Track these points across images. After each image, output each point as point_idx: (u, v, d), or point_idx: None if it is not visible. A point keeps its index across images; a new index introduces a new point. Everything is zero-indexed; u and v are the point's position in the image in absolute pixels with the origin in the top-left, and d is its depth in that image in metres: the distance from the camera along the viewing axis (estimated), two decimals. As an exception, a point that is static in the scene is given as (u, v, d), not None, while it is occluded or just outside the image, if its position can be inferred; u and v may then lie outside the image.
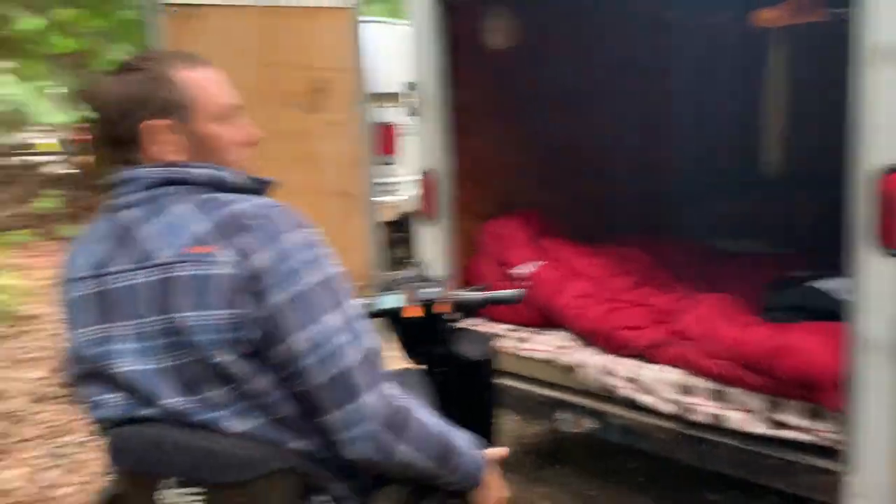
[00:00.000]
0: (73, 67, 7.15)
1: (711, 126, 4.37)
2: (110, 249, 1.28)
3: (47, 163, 13.78)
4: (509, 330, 2.97)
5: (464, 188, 3.12)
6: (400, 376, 1.95)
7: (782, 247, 3.72)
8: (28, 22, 4.57)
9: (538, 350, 2.81)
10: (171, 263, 1.21)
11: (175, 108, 1.30)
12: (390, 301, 1.90)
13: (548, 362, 2.77)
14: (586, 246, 3.12)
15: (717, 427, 2.32)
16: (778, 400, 2.21)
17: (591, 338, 2.71)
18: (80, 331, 1.30)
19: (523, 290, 2.04)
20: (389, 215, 6.16)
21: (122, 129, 1.29)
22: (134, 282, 1.24)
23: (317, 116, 2.93)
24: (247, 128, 1.41)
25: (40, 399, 3.86)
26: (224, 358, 1.19)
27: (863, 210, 1.92)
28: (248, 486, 1.21)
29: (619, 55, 3.78)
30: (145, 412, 1.23)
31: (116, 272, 1.26)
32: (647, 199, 3.97)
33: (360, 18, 2.99)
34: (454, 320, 2.01)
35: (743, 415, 2.27)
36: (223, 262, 1.18)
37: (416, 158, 3.14)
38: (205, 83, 1.35)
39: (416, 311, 1.89)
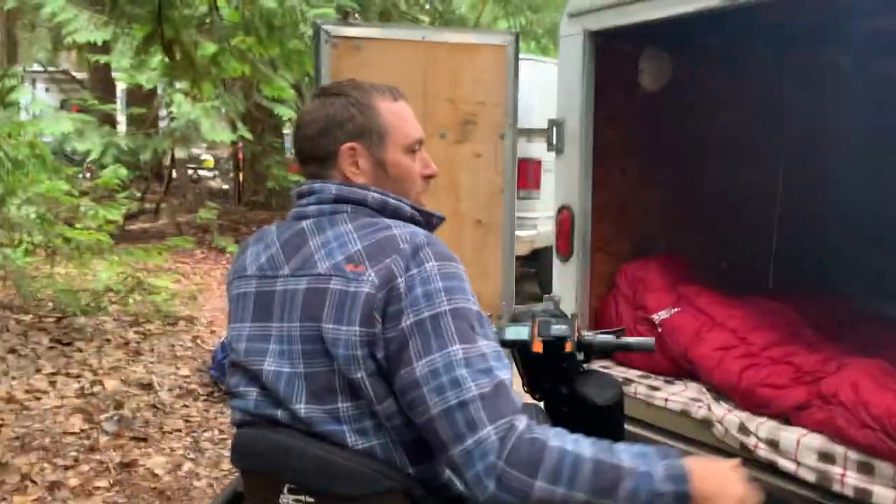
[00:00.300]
0: (241, 90, 7.73)
1: (872, 179, 4.09)
2: (278, 253, 1.37)
3: (213, 177, 14.93)
4: (640, 376, 2.90)
5: (600, 227, 3.09)
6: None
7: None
8: (208, 48, 4.98)
9: (672, 400, 2.72)
10: (325, 276, 1.28)
11: (370, 133, 1.40)
12: (516, 332, 1.88)
13: (682, 414, 2.68)
14: (727, 296, 3.00)
15: (862, 502, 2.16)
16: (936, 481, 2.02)
17: (728, 392, 2.60)
18: (236, 325, 1.41)
19: (653, 339, 1.97)
20: (523, 250, 6.19)
21: (319, 146, 1.40)
22: (289, 287, 1.32)
23: (463, 147, 3.01)
24: (428, 162, 1.49)
25: (184, 394, 4.14)
26: (356, 374, 1.24)
27: None
28: (359, 501, 1.24)
29: (774, 102, 3.64)
30: (275, 413, 1.30)
31: (278, 276, 1.35)
32: (797, 252, 3.77)
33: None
34: (584, 361, 1.98)
35: (893, 492, 2.10)
36: (367, 282, 1.23)
37: (553, 194, 3.15)
38: (400, 115, 1.44)
39: (539, 347, 1.87)
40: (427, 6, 11.94)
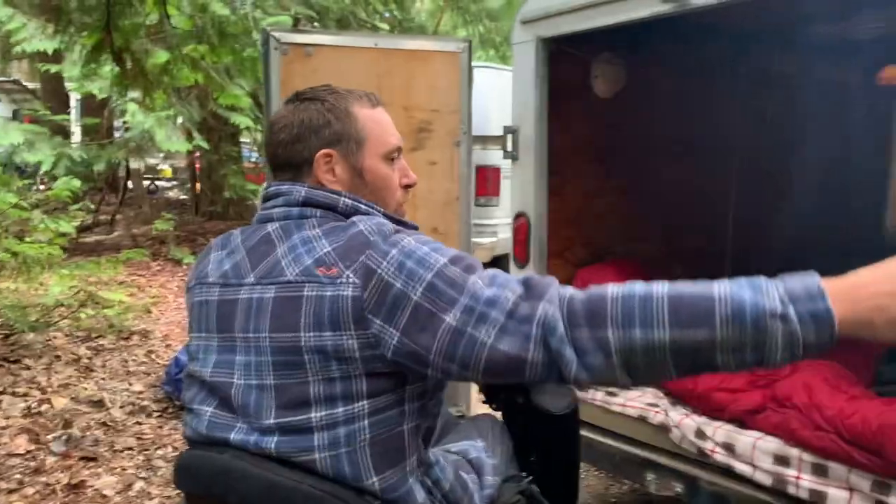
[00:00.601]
0: (196, 99, 7.61)
1: (826, 184, 4.17)
2: (244, 261, 1.32)
3: (171, 188, 14.70)
4: (597, 382, 2.89)
5: (556, 233, 3.09)
6: (477, 422, 1.93)
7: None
8: (160, 56, 4.89)
9: (629, 406, 2.71)
10: (295, 283, 1.22)
11: (347, 140, 1.36)
12: None
13: (639, 419, 2.67)
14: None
15: (817, 504, 2.17)
16: (887, 481, 2.03)
17: (685, 397, 2.60)
18: (197, 335, 1.36)
19: None
20: (484, 257, 6.19)
21: (293, 152, 1.36)
22: (255, 296, 1.26)
23: (418, 155, 2.98)
24: (407, 170, 1.46)
25: (137, 411, 4.03)
26: (353, 376, 1.19)
27: None
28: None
29: (728, 107, 3.69)
30: (227, 434, 1.25)
31: (243, 284, 1.29)
32: (752, 255, 3.81)
33: (473, 63, 3.05)
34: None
35: (846, 493, 2.11)
36: (347, 284, 1.18)
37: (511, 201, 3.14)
38: (379, 121, 1.40)
39: None
40: (387, 14, 11.91)
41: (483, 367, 1.13)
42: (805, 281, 1.04)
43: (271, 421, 1.21)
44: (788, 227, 4.07)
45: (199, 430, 1.29)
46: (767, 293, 1.03)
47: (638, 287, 1.09)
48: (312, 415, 1.20)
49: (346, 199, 1.33)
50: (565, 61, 3.03)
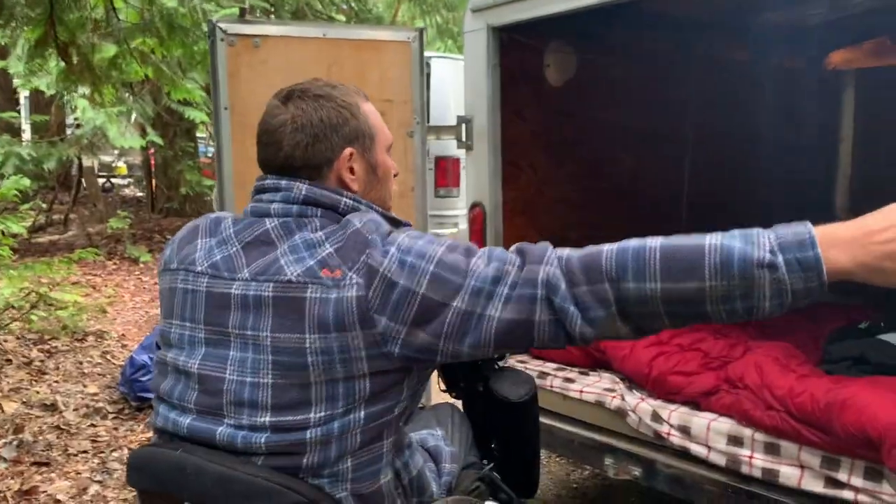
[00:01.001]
0: (150, 94, 7.46)
1: (778, 168, 4.24)
2: (238, 254, 1.28)
3: (127, 185, 14.41)
4: (555, 369, 2.90)
5: (512, 222, 3.09)
6: (437, 410, 1.93)
7: (848, 296, 3.55)
8: (108, 50, 4.77)
9: (586, 392, 2.73)
10: (298, 283, 1.20)
11: (363, 136, 1.35)
12: None
13: (596, 405, 2.69)
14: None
15: (770, 483, 2.21)
16: (836, 457, 2.08)
17: (641, 381, 2.63)
18: (181, 323, 1.31)
19: None
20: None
21: (315, 153, 1.31)
22: (251, 293, 1.23)
23: (370, 146, 2.95)
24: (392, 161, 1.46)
25: (92, 413, 3.95)
26: (357, 375, 1.19)
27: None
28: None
29: (679, 94, 3.72)
30: (215, 428, 1.23)
31: (236, 278, 1.25)
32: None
33: (428, 53, 3.04)
34: (499, 358, 1.98)
35: (798, 471, 2.15)
36: (352, 286, 1.17)
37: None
38: (377, 115, 1.41)
39: None
40: (343, 6, 11.81)
41: (494, 340, 1.16)
42: (796, 229, 1.05)
43: (266, 419, 1.20)
44: (741, 211, 4.12)
45: (177, 421, 1.27)
46: (757, 243, 1.04)
47: (632, 242, 1.12)
48: (311, 415, 1.20)
49: (347, 199, 1.31)
50: (517, 50, 3.03)
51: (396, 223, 1.35)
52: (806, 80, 4.20)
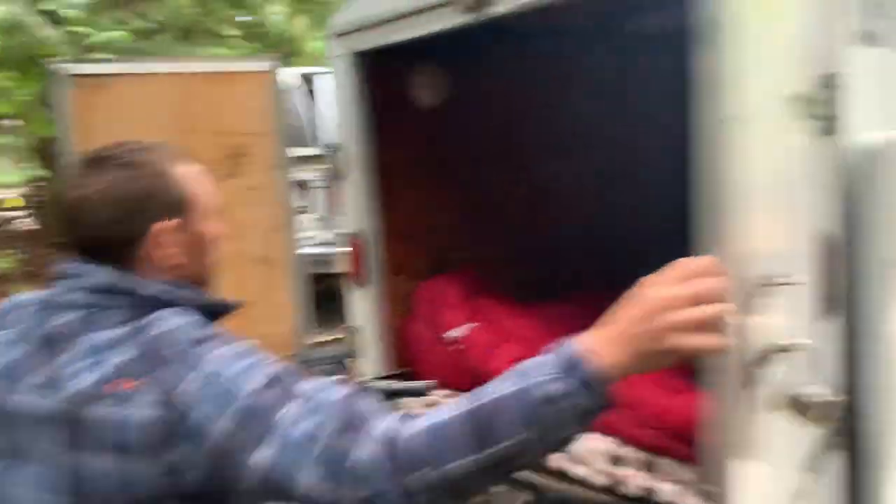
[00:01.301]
0: (11, 130, 7.09)
1: (659, 176, 4.31)
2: (23, 357, 1.15)
3: (14, 218, 13.65)
4: (445, 396, 2.86)
5: (395, 249, 3.04)
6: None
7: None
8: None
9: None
10: (85, 397, 1.07)
11: (178, 206, 1.21)
12: None
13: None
14: (522, 306, 3.03)
15: (649, 500, 2.21)
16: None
17: (525, 404, 2.61)
18: None
19: (426, 383, 1.95)
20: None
21: (117, 232, 1.17)
22: (41, 405, 1.10)
23: (235, 182, 2.84)
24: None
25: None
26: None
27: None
28: None
29: (555, 109, 3.74)
30: None
31: (19, 386, 1.13)
32: (592, 253, 3.89)
33: (312, 69, 2.94)
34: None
35: (675, 487, 2.17)
36: (143, 402, 1.05)
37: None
38: (199, 178, 1.26)
39: None
40: (238, 21, 11.54)
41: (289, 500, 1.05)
42: (565, 352, 1.04)
43: None
44: (624, 222, 4.19)
45: None
46: (531, 383, 1.03)
47: (438, 417, 1.06)
48: None
49: (157, 288, 1.17)
50: (385, 73, 2.97)
51: (216, 310, 1.24)
52: (677, 87, 4.28)
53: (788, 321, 1.81)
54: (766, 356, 1.75)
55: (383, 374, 1.98)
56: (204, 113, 2.72)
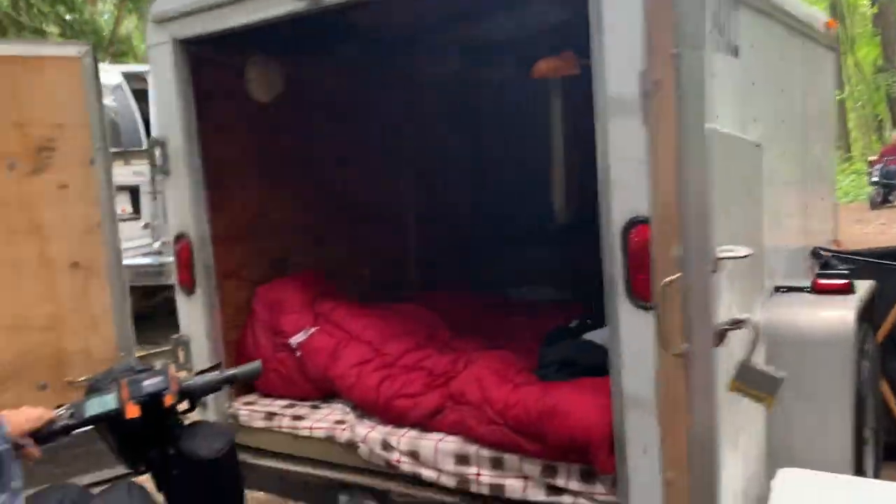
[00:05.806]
0: None
1: (500, 176, 4.36)
2: None
3: None
4: (284, 407, 2.70)
5: (229, 252, 2.83)
6: (106, 498, 1.64)
7: (571, 296, 3.71)
8: None
9: (316, 427, 2.56)
10: None
11: None
12: (99, 404, 1.60)
13: (327, 440, 2.53)
14: (364, 306, 2.92)
15: (498, 497, 2.18)
16: (554, 464, 2.09)
17: (370, 409, 2.50)
18: None
19: (259, 362, 1.83)
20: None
21: None
22: None
23: (41, 178, 2.53)
24: None
25: None
26: None
27: (613, 261, 1.86)
28: None
29: (395, 107, 3.68)
30: None
31: None
32: (437, 251, 3.87)
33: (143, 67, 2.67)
34: (189, 410, 1.75)
35: (522, 482, 2.14)
36: None
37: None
38: None
39: (135, 411, 1.60)
40: (55, 17, 10.71)
41: None
42: None
43: None
44: (467, 220, 4.21)
45: None
46: None
47: None
48: None
49: None
50: (213, 64, 2.77)
51: None
52: (516, 90, 4.35)
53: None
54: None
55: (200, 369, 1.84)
56: (3, 100, 2.39)
